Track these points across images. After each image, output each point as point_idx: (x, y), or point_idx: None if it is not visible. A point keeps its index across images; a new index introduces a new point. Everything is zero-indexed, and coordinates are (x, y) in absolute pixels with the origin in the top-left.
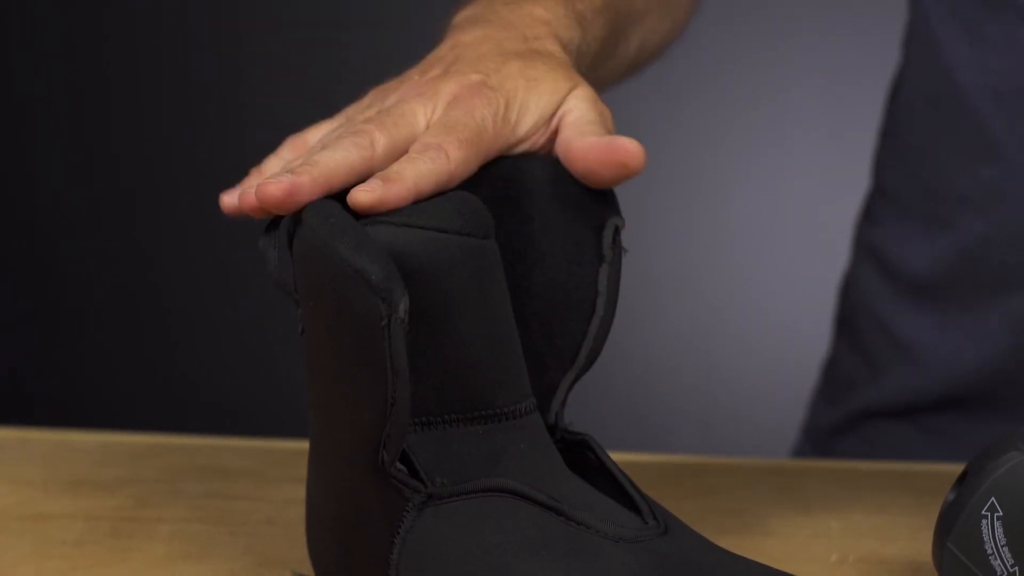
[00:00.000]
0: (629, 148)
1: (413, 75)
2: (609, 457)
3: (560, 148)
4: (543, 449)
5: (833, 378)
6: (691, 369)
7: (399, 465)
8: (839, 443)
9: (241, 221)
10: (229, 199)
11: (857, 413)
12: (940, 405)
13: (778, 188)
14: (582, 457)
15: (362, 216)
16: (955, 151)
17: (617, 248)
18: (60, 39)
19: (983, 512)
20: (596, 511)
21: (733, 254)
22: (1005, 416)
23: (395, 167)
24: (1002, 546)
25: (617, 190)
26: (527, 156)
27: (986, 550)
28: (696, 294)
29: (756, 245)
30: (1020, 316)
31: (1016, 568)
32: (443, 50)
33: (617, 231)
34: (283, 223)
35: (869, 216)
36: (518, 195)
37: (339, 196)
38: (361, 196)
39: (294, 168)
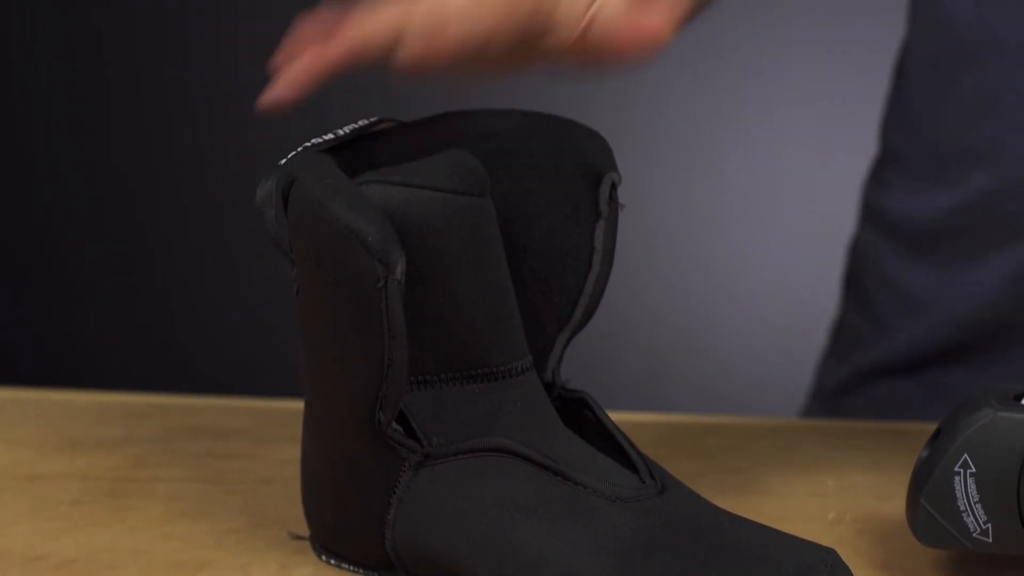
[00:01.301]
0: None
1: None
2: (606, 415)
3: (586, 39)
4: (540, 408)
5: (840, 338)
6: (690, 329)
7: (395, 425)
8: (846, 402)
9: (238, 182)
10: (268, 95)
11: (863, 371)
12: (942, 358)
13: (781, 147)
14: (579, 415)
15: (356, 176)
16: (957, 108)
17: (614, 204)
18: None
19: (956, 469)
20: (593, 470)
21: (735, 213)
22: (1006, 367)
23: (432, 26)
24: (975, 503)
25: (617, 147)
26: (523, 113)
27: (959, 507)
28: (697, 254)
29: (759, 205)
30: (1021, 266)
31: (988, 525)
32: None
33: (614, 187)
34: (277, 182)
35: (875, 180)
36: (512, 151)
37: (334, 155)
38: (405, 52)
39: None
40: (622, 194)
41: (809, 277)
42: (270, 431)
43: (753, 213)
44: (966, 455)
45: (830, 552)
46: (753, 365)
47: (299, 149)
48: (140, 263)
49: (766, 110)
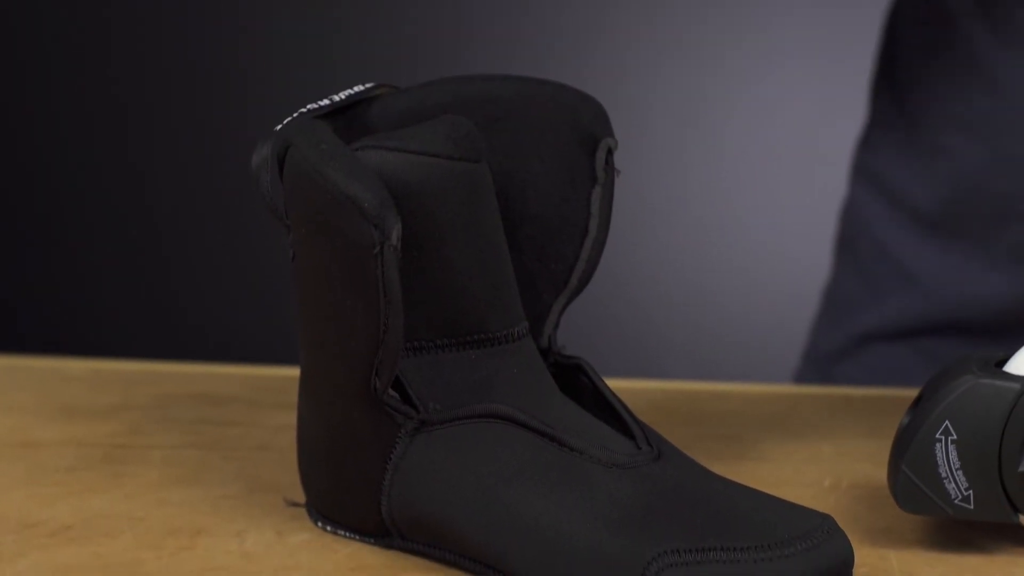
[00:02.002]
0: None
1: None
2: (603, 381)
3: None
4: (536, 374)
5: (833, 302)
6: (687, 295)
7: (391, 391)
8: (839, 367)
9: (234, 149)
10: None
11: (857, 336)
12: (940, 330)
13: (775, 112)
14: (576, 381)
15: (352, 141)
16: (948, 77)
17: (610, 169)
18: None
19: (937, 436)
20: (589, 436)
21: (731, 179)
22: (1005, 344)
23: None
24: (956, 469)
25: (613, 113)
26: (519, 78)
27: (940, 473)
28: (693, 220)
29: (753, 169)
30: (1019, 245)
31: (970, 492)
32: None
33: (610, 152)
34: (272, 148)
35: (867, 143)
36: (508, 117)
37: (330, 121)
38: None
39: None
40: (618, 160)
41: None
42: (266, 398)
43: (750, 178)
44: (947, 422)
45: (826, 518)
46: (750, 331)
47: (295, 115)
48: (136, 230)
49: (762, 75)
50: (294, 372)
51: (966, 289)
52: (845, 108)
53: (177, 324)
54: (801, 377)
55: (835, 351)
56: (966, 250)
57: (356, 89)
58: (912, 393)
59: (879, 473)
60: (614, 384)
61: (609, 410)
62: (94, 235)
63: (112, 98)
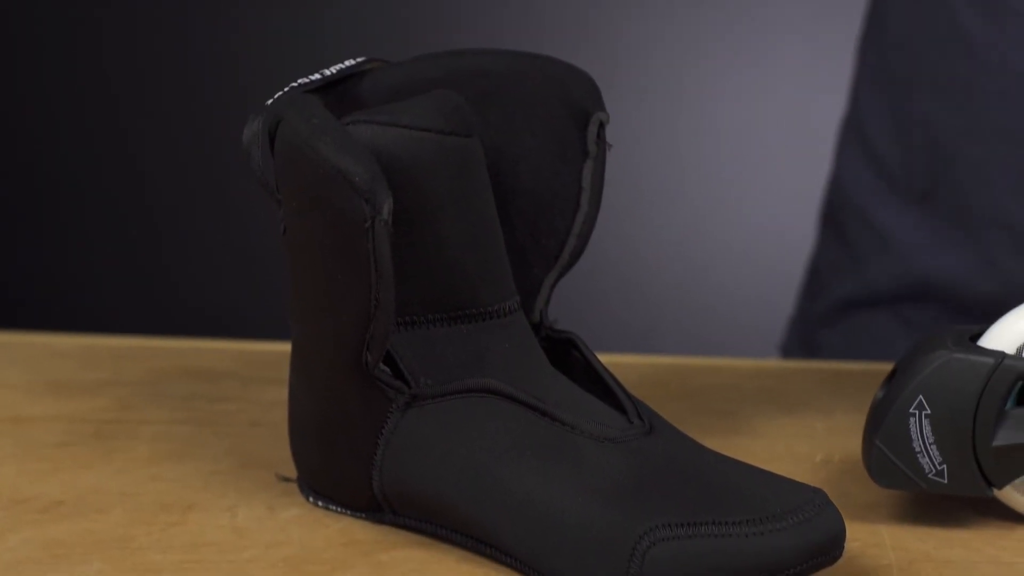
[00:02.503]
0: None
1: None
2: (594, 355)
3: None
4: (528, 348)
5: (817, 270)
6: (679, 269)
7: (383, 366)
8: (822, 334)
9: (225, 121)
10: None
11: (838, 304)
12: (918, 297)
13: (766, 87)
14: (567, 356)
15: (343, 116)
16: (931, 43)
17: (602, 143)
18: None
19: (911, 410)
20: (581, 411)
21: (722, 152)
22: (981, 314)
23: None
24: (930, 444)
25: (604, 87)
26: (511, 53)
27: (914, 448)
28: (685, 193)
29: (744, 144)
30: (993, 212)
31: (944, 466)
32: None
33: (602, 126)
34: (263, 122)
35: (853, 111)
36: (499, 91)
37: (321, 96)
38: None
39: None
40: (609, 134)
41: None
42: (258, 373)
43: (741, 152)
44: (921, 396)
45: (818, 492)
46: (742, 306)
47: (286, 89)
48: (126, 205)
49: (752, 49)
50: (286, 348)
51: (943, 257)
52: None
53: (168, 300)
54: (786, 346)
55: (817, 319)
56: (941, 218)
57: (347, 64)
58: None
59: None
60: (605, 359)
61: (600, 385)
62: (85, 211)
63: (102, 73)
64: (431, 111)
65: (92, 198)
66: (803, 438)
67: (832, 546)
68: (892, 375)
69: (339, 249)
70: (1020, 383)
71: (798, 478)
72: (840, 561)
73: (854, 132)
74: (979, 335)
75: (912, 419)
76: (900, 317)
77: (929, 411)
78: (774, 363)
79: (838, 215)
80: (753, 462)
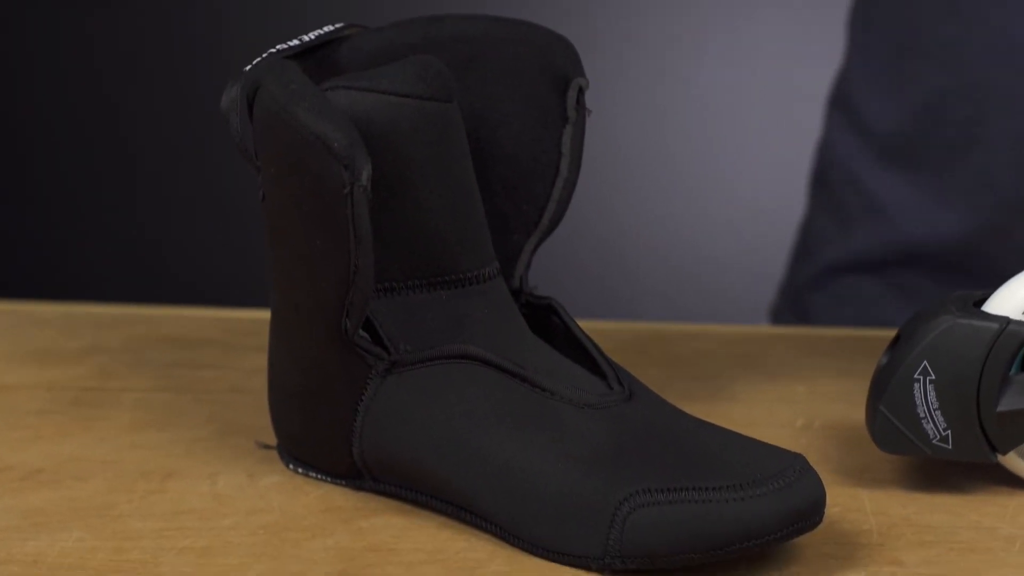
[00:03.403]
0: None
1: None
2: (574, 321)
3: None
4: (507, 314)
5: (807, 236)
6: (658, 235)
7: (362, 333)
8: (811, 299)
9: (206, 86)
10: None
11: (827, 268)
12: (906, 261)
13: (751, 51)
14: (547, 322)
15: (322, 82)
16: (921, 6)
17: (581, 109)
18: None
19: (915, 376)
20: (561, 377)
21: (703, 118)
22: (968, 277)
23: None
24: (934, 410)
25: (584, 52)
26: (491, 18)
27: (918, 413)
28: (665, 159)
29: (727, 108)
30: (983, 173)
31: (948, 432)
32: None
33: (581, 91)
34: (242, 88)
35: (842, 74)
36: (479, 57)
37: (300, 62)
38: None
39: None
40: (590, 99)
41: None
42: (238, 340)
43: (723, 117)
44: (926, 362)
45: (798, 457)
46: (723, 272)
47: (264, 55)
48: (107, 172)
49: (739, 13)
50: (267, 315)
51: (931, 220)
52: (821, 46)
53: (149, 268)
54: (777, 311)
55: (806, 283)
56: (931, 180)
57: (326, 29)
58: (884, 332)
59: (851, 413)
60: (586, 325)
61: (580, 350)
62: (66, 178)
63: (86, 39)
64: (411, 77)
65: (73, 165)
66: (784, 403)
67: (812, 511)
68: (896, 341)
69: (318, 215)
70: None
71: (779, 443)
72: (820, 526)
73: (842, 97)
74: (983, 300)
75: (916, 385)
76: (889, 282)
77: (934, 376)
78: (755, 329)
79: (827, 180)
80: (733, 428)
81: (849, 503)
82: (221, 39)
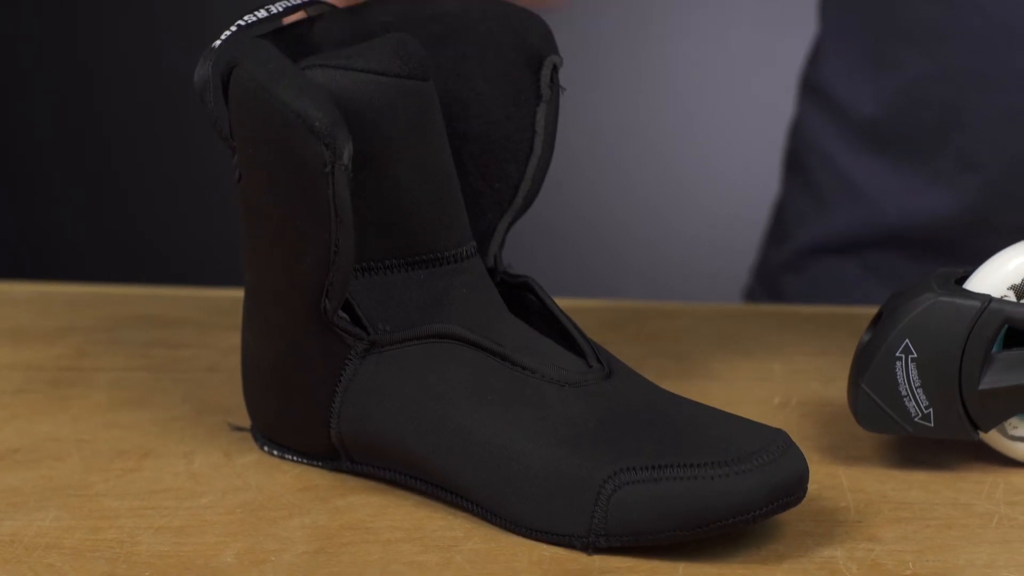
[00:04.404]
0: None
1: None
2: (551, 299)
3: None
4: (485, 293)
5: (782, 217)
6: (634, 213)
7: (341, 313)
8: (785, 281)
9: (181, 62)
10: None
11: (803, 250)
12: (884, 243)
13: (725, 30)
14: (523, 300)
15: (297, 61)
16: None
17: (555, 87)
18: None
19: (897, 354)
20: (540, 355)
21: (678, 96)
22: (947, 259)
23: None
24: (916, 388)
25: (560, 30)
26: None
27: (900, 391)
28: (640, 137)
29: (702, 87)
30: (964, 156)
31: (930, 410)
32: None
33: (555, 69)
34: (213, 66)
35: (815, 57)
36: (452, 35)
37: (273, 41)
38: None
39: None
40: (564, 78)
41: (756, 161)
42: (214, 319)
43: (698, 96)
44: (908, 340)
45: (780, 433)
46: (700, 250)
47: (232, 28)
48: (82, 152)
49: None
50: (243, 294)
51: (910, 202)
52: (795, 25)
53: (125, 247)
54: (751, 293)
55: (782, 265)
56: (911, 163)
57: (293, 2)
58: (859, 309)
59: (828, 391)
60: (563, 303)
61: (558, 328)
62: (41, 157)
63: (66, 14)
64: (388, 55)
65: (48, 145)
66: (761, 381)
67: (797, 486)
68: (878, 318)
69: (298, 195)
70: (1006, 326)
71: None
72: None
73: (816, 80)
74: (965, 278)
75: (898, 363)
76: (865, 263)
77: (915, 355)
78: (732, 307)
79: (802, 161)
80: (712, 405)
81: (826, 480)
82: (198, 14)
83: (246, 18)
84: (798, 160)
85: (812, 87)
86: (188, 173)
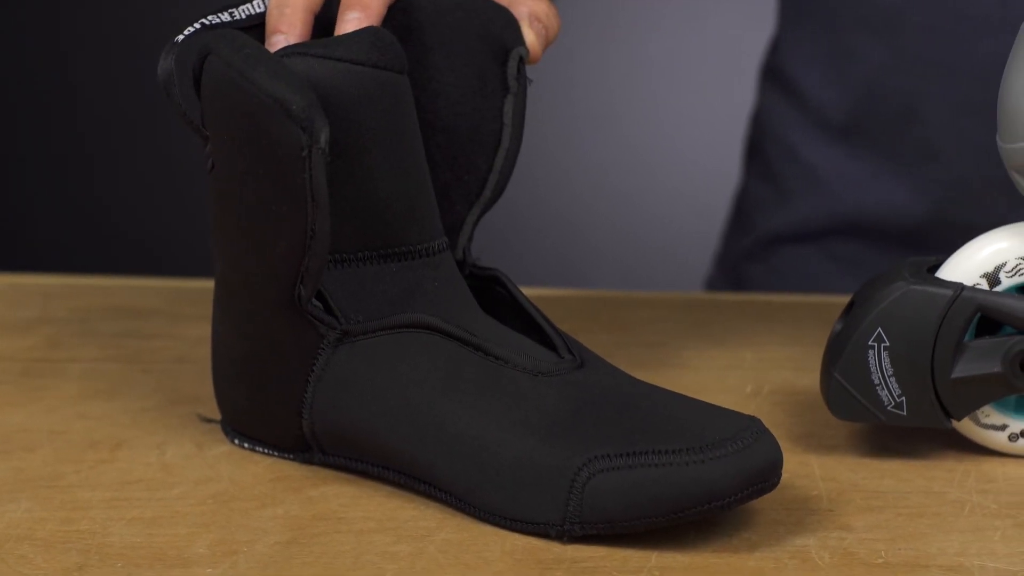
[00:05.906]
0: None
1: None
2: (521, 292)
3: None
4: (457, 287)
5: (743, 206)
6: (603, 203)
7: (315, 302)
8: (748, 270)
9: (156, 53)
10: None
11: (765, 239)
12: (846, 232)
13: (692, 18)
14: (492, 293)
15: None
16: None
17: (522, 79)
18: None
19: (869, 343)
20: (512, 346)
21: (646, 86)
22: (908, 249)
23: None
24: (889, 376)
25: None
26: None
27: (873, 380)
28: (609, 128)
29: (669, 77)
30: (923, 146)
31: (903, 398)
32: None
33: (521, 61)
34: (177, 59)
35: (776, 47)
36: (419, 26)
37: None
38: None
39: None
40: (537, 68)
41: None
42: (185, 310)
43: (666, 85)
44: (879, 328)
45: (754, 420)
46: (670, 239)
47: (196, 26)
48: (54, 142)
49: None
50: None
51: (871, 191)
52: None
53: (96, 237)
54: (712, 282)
55: (743, 254)
56: (871, 152)
57: (257, 10)
58: (830, 298)
59: (799, 379)
60: (533, 293)
61: (528, 321)
62: (14, 147)
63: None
64: (366, 45)
65: (19, 136)
66: (733, 370)
67: (771, 472)
68: (850, 307)
69: (274, 180)
70: (978, 315)
71: None
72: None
73: (776, 69)
74: (937, 266)
75: (871, 352)
76: (827, 252)
77: (888, 343)
78: (703, 296)
79: (763, 151)
80: (684, 393)
81: (798, 469)
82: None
83: (209, 18)
84: (758, 149)
85: (772, 76)
86: (161, 163)
